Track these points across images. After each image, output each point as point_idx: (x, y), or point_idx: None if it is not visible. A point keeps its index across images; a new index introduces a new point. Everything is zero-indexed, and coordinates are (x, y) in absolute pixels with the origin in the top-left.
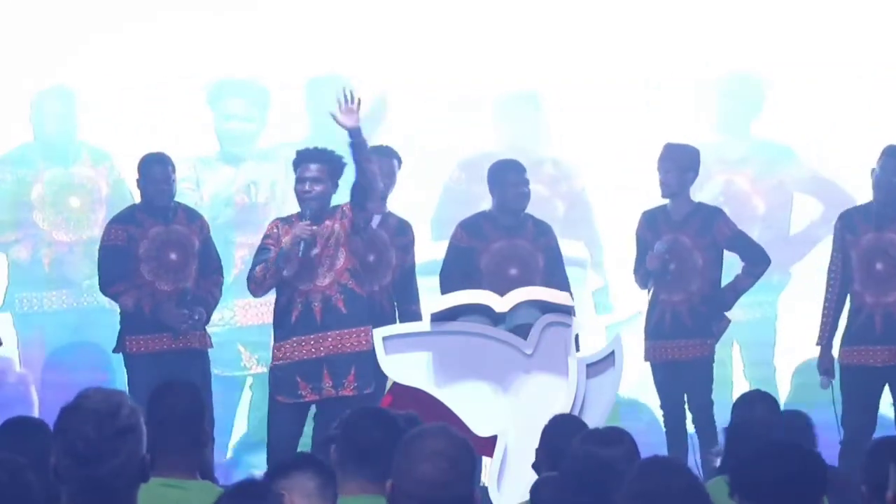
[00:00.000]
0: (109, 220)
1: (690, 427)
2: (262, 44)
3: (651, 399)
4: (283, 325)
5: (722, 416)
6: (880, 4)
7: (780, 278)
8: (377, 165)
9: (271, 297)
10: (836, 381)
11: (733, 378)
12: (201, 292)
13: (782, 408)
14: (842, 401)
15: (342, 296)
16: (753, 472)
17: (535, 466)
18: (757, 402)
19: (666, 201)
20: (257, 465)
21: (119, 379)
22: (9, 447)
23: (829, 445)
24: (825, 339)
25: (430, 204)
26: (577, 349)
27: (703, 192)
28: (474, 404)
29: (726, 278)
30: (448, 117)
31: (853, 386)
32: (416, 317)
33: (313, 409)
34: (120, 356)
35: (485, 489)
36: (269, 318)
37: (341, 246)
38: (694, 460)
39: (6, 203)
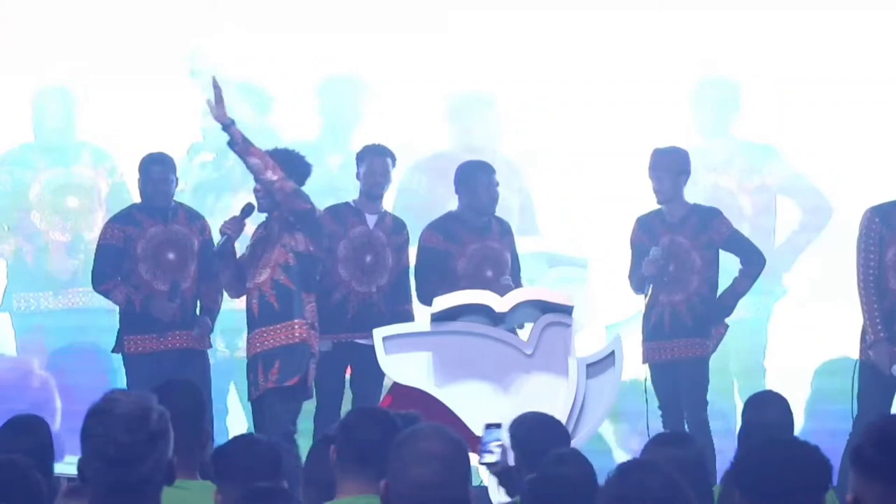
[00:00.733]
0: (108, 220)
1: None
2: (262, 44)
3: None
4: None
5: (716, 424)
6: (857, 8)
7: (772, 285)
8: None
9: None
10: (855, 378)
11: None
12: (205, 300)
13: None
14: (858, 399)
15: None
16: (755, 467)
17: (516, 468)
18: (769, 404)
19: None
20: None
21: (119, 380)
22: (9, 445)
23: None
24: (882, 332)
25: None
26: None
27: (690, 196)
28: (474, 404)
29: (723, 281)
30: (403, 114)
31: (872, 385)
32: (409, 316)
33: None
34: (120, 356)
35: (484, 489)
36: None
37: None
38: None
39: (5, 203)
